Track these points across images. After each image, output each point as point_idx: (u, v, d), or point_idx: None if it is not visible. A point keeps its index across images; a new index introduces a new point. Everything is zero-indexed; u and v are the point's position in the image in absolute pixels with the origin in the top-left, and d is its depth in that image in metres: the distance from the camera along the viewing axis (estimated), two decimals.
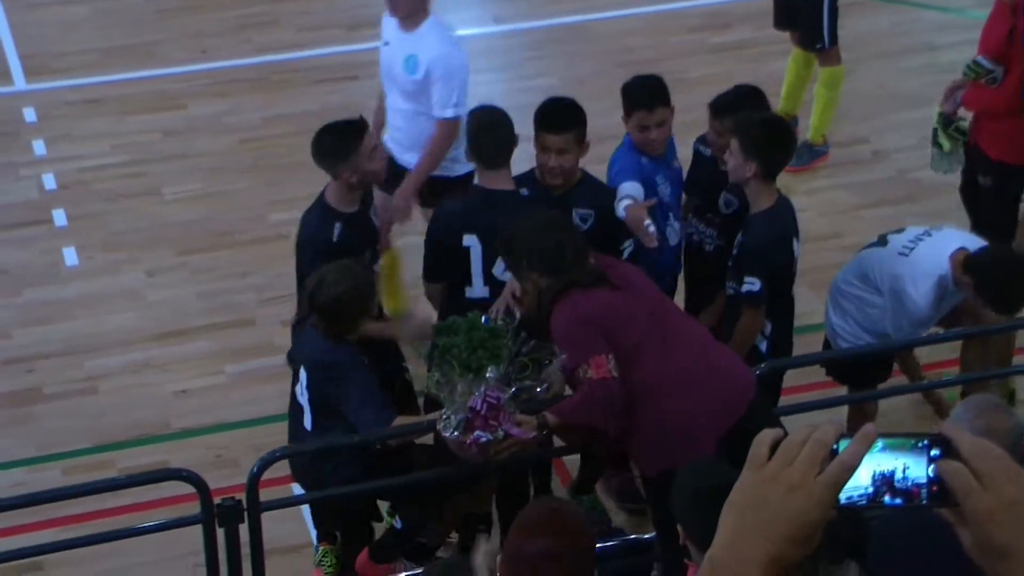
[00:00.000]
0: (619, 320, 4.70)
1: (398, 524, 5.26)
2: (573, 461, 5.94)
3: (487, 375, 4.51)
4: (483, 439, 4.49)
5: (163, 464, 6.02)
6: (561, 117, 5.47)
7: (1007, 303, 5.46)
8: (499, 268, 5.31)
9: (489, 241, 5.20)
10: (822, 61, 8.00)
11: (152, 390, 6.71)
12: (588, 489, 5.88)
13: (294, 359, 5.22)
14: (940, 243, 5.55)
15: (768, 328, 5.44)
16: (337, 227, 5.32)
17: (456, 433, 4.51)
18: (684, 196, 5.93)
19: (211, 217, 7.81)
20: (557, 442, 5.17)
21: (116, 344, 6.97)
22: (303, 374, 5.07)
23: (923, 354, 6.16)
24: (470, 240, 5.34)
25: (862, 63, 8.90)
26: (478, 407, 4.47)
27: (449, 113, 6.03)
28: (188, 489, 4.82)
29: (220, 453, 6.30)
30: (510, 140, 5.42)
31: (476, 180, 5.62)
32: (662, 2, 9.65)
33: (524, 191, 5.47)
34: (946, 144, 6.50)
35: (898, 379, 6.03)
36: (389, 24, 6.27)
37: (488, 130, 5.43)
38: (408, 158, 6.21)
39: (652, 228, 5.22)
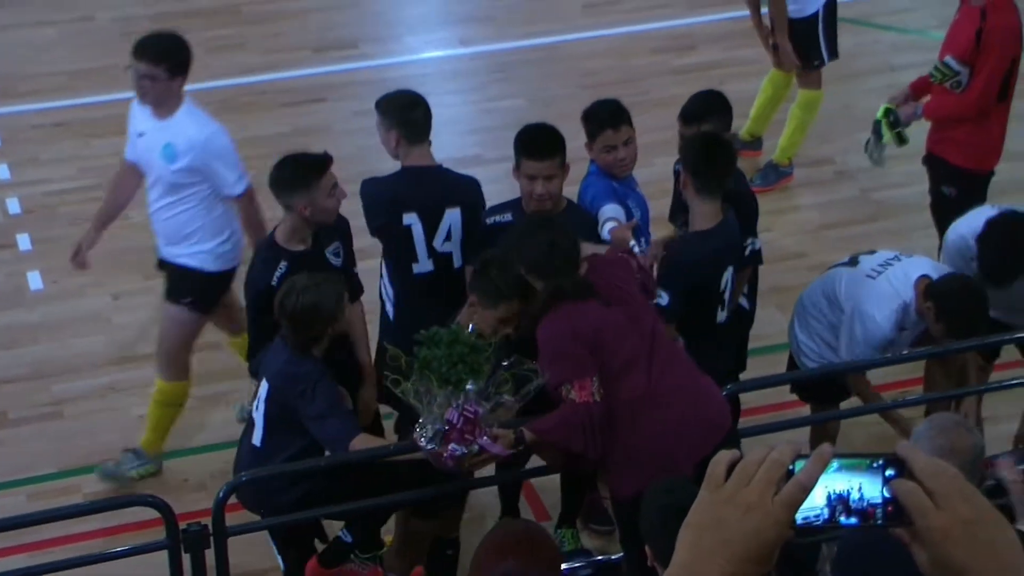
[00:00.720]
0: (609, 339, 4.73)
1: (347, 538, 5.25)
2: (541, 484, 5.95)
3: (466, 388, 4.53)
4: (458, 452, 4.51)
5: (129, 489, 6.00)
6: (545, 143, 5.46)
7: (962, 330, 5.46)
8: (439, 240, 5.50)
9: (427, 216, 5.46)
10: (803, 83, 8.00)
11: (118, 414, 6.69)
12: (572, 522, 5.87)
13: (258, 372, 5.22)
14: (908, 268, 5.58)
15: (680, 344, 5.32)
16: (282, 266, 5.19)
17: (432, 445, 4.53)
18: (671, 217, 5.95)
19: None
20: (536, 461, 5.18)
21: (82, 368, 6.95)
22: (264, 387, 5.06)
23: (883, 374, 6.20)
24: (410, 218, 5.49)
25: (825, 84, 8.93)
26: (455, 420, 4.49)
27: (241, 187, 5.95)
28: (155, 514, 4.81)
29: (187, 477, 6.28)
30: (428, 117, 5.59)
31: (401, 162, 5.65)
32: (626, 24, 9.71)
33: (508, 216, 5.50)
34: (887, 136, 6.54)
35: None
36: (141, 114, 5.98)
37: (410, 109, 5.57)
38: (171, 251, 6.09)
39: (637, 248, 5.26)
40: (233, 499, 4.85)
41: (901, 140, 6.57)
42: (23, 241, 7.78)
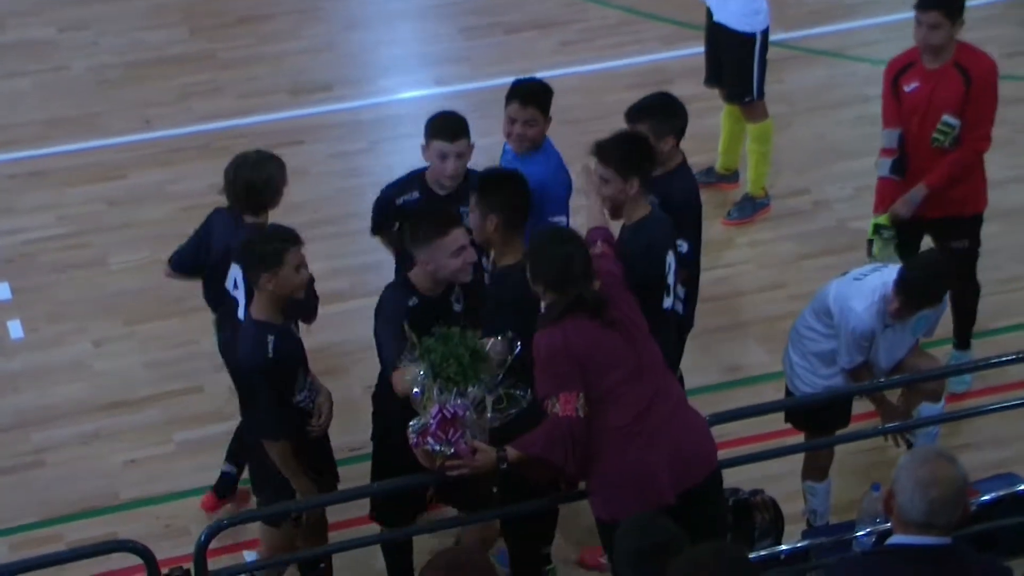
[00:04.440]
0: (601, 361, 4.77)
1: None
2: None
3: (452, 389, 4.65)
4: (433, 448, 4.65)
5: (112, 536, 5.99)
6: (456, 125, 5.81)
7: (931, 293, 5.64)
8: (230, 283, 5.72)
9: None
10: (748, 117, 8.09)
11: (100, 461, 6.67)
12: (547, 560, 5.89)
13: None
14: (890, 272, 5.75)
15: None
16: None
17: (414, 436, 4.68)
18: None
19: (158, 286, 7.76)
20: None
21: (63, 416, 6.93)
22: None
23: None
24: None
25: (799, 116, 9.04)
26: (434, 416, 4.63)
27: None
28: (137, 560, 4.79)
29: (169, 523, 6.27)
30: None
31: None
32: (600, 61, 9.77)
33: (415, 194, 5.81)
34: (882, 252, 6.42)
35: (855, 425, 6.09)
36: None
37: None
38: None
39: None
40: (215, 543, 4.83)
41: (891, 234, 6.48)
42: (2, 290, 7.77)
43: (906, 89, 6.44)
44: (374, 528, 5.72)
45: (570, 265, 4.83)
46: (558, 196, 5.92)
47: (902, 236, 6.49)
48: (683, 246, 5.77)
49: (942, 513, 3.82)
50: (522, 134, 5.92)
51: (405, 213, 5.78)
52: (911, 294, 5.60)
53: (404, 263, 5.68)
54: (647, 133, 5.68)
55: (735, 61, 7.92)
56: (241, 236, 5.49)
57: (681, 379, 5.97)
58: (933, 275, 5.67)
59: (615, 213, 5.53)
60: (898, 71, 6.50)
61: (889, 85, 6.52)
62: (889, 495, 3.91)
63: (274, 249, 5.14)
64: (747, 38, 7.88)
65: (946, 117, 6.36)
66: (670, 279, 5.58)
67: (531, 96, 5.94)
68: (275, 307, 5.23)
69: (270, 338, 5.17)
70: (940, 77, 6.37)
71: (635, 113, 5.90)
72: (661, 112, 5.90)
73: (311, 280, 5.57)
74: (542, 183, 5.78)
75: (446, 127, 5.81)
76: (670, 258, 5.58)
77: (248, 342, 5.22)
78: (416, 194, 5.88)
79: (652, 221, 5.53)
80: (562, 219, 5.87)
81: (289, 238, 5.21)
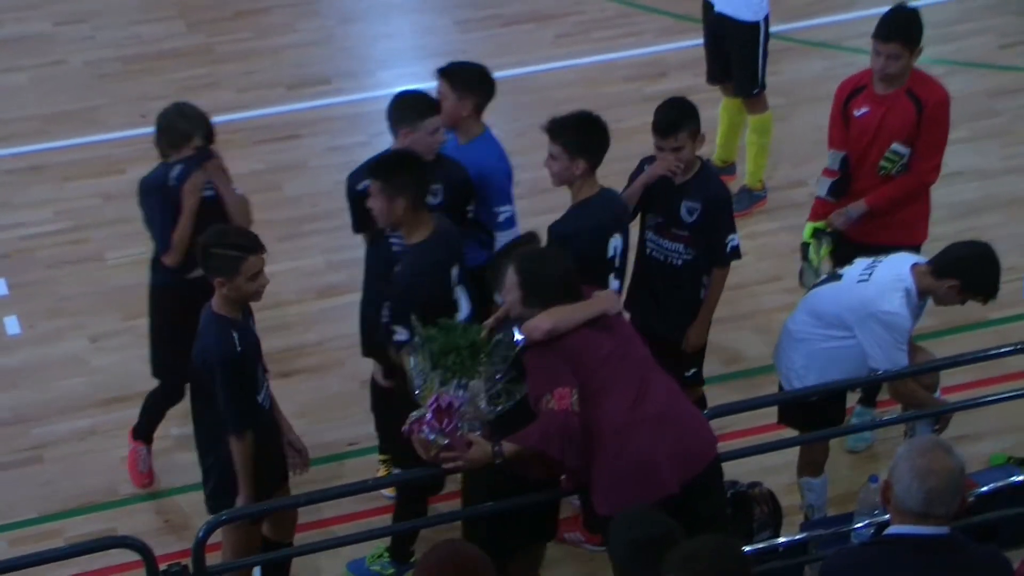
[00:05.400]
0: (591, 358, 4.79)
1: None
2: None
3: (452, 380, 4.67)
4: (427, 436, 4.67)
5: (111, 531, 5.99)
6: (427, 105, 5.85)
7: (989, 289, 5.60)
8: None
9: None
10: (751, 109, 8.08)
11: (99, 456, 6.67)
12: None
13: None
14: (895, 262, 5.69)
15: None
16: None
17: (409, 425, 4.72)
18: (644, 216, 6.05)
19: None
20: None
21: (62, 411, 6.93)
22: None
23: None
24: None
25: (796, 107, 9.02)
26: (431, 405, 4.66)
27: None
28: (135, 556, 4.79)
29: (168, 518, 6.27)
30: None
31: None
32: (597, 53, 9.76)
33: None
34: (816, 258, 6.36)
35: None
36: None
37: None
38: None
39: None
40: (213, 539, 4.83)
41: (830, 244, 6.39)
42: (0, 286, 7.76)
43: (856, 113, 6.29)
44: (372, 523, 5.73)
45: (552, 283, 4.89)
46: (501, 186, 5.99)
47: (837, 256, 6.39)
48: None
49: (940, 503, 3.82)
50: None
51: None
52: (973, 285, 5.55)
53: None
54: (559, 153, 5.68)
55: (741, 51, 7.90)
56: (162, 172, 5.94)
57: (703, 400, 6.02)
58: (997, 270, 5.59)
59: (564, 185, 5.69)
60: (849, 94, 6.35)
61: (839, 108, 6.37)
62: (886, 485, 3.91)
63: (230, 257, 5.09)
64: (751, 26, 7.87)
65: (895, 145, 6.22)
66: (617, 262, 5.67)
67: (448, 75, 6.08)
68: (233, 305, 5.21)
69: (234, 333, 5.15)
70: (892, 103, 6.23)
71: (675, 121, 5.87)
72: (694, 115, 5.90)
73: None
74: (482, 172, 5.91)
75: (433, 103, 5.88)
76: (616, 241, 5.66)
77: (214, 336, 5.16)
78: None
79: (598, 201, 5.65)
80: (508, 209, 5.95)
81: (248, 246, 5.14)
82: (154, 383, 6.41)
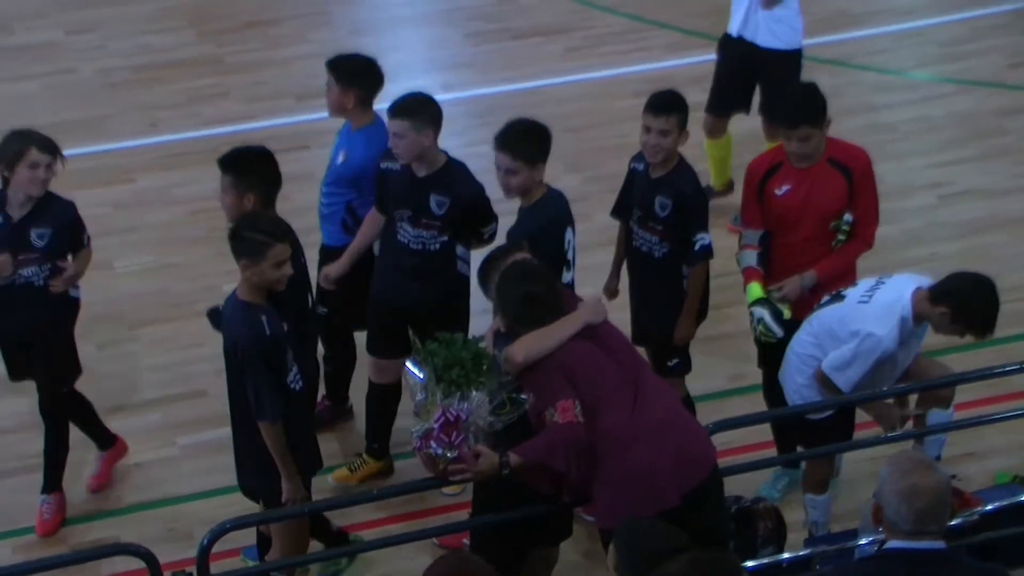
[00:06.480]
0: (589, 370, 4.81)
1: None
2: None
3: (456, 393, 4.68)
4: (435, 451, 4.68)
5: (115, 539, 5.99)
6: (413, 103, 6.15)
7: (981, 323, 5.57)
8: None
9: None
10: (773, 136, 7.83)
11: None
12: None
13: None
14: (897, 285, 5.68)
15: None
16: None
17: (416, 441, 4.72)
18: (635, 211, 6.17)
19: (163, 289, 7.81)
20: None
21: None
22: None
23: None
24: None
25: None
26: (438, 419, 4.66)
27: None
28: (140, 563, 4.80)
29: (173, 526, 6.28)
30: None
31: None
32: (606, 68, 9.79)
33: (397, 165, 6.07)
34: (766, 327, 6.13)
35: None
36: None
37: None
38: None
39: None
40: (217, 547, 4.84)
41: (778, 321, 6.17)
42: None
43: (777, 192, 6.10)
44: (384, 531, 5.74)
45: (531, 305, 4.91)
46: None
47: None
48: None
49: (931, 520, 3.84)
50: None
51: (384, 178, 6.16)
52: (964, 316, 5.52)
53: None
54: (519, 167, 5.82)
55: (783, 79, 7.73)
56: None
57: (691, 401, 6.15)
58: (993, 307, 5.57)
59: (520, 195, 5.86)
60: (764, 174, 6.16)
61: (754, 190, 6.17)
62: (876, 508, 3.92)
63: (258, 242, 5.14)
64: (795, 53, 7.92)
65: (847, 216, 6.09)
66: (569, 255, 5.84)
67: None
68: (257, 291, 5.24)
69: (263, 317, 5.18)
70: (815, 177, 6.08)
71: (668, 103, 6.10)
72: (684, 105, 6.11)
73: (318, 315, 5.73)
74: (362, 163, 6.30)
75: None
76: (569, 234, 5.84)
77: (242, 323, 5.19)
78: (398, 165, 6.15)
79: (549, 200, 5.85)
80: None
81: (276, 233, 5.19)
82: (160, 389, 6.41)
